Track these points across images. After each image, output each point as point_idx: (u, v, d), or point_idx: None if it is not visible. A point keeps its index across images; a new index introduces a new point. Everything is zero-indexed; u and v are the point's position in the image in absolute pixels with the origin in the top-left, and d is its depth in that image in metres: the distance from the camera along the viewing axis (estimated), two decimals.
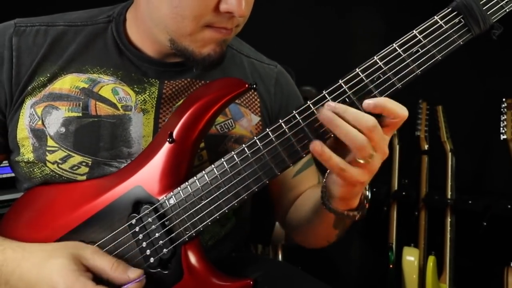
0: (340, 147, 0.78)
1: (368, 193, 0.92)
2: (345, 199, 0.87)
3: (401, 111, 0.77)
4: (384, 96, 0.80)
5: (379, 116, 0.78)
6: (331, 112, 0.76)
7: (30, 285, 0.81)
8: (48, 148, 0.95)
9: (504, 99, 2.31)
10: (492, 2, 0.81)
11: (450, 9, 0.82)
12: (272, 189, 1.17)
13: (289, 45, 2.68)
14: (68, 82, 0.98)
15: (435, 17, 0.82)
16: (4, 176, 1.75)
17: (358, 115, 0.75)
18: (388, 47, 0.81)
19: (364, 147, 0.75)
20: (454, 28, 0.81)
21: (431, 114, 2.48)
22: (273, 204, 1.21)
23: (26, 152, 0.97)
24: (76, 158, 0.95)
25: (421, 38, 0.80)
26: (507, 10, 0.82)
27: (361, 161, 0.77)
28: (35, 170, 0.97)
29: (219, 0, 0.87)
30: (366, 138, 0.75)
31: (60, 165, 0.95)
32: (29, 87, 0.97)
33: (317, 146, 0.77)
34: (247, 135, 1.06)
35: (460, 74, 2.41)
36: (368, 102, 0.77)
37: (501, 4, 0.82)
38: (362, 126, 0.75)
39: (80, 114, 0.96)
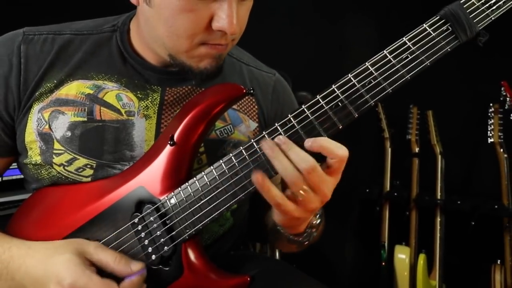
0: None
1: (317, 222, 0.94)
2: (286, 227, 0.89)
3: (339, 151, 0.76)
4: (375, 100, 0.81)
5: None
6: (274, 145, 0.77)
7: (36, 280, 0.80)
8: (54, 151, 0.95)
9: (491, 104, 2.32)
10: (478, 11, 0.82)
11: (438, 17, 0.83)
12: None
13: (286, 53, 2.69)
14: (74, 88, 0.98)
15: (424, 25, 0.82)
16: (13, 177, 1.75)
17: (298, 155, 0.76)
18: (379, 53, 0.81)
19: (297, 183, 0.75)
20: (442, 35, 0.82)
21: (421, 118, 2.48)
22: (253, 203, 1.19)
23: (34, 155, 0.97)
24: (81, 161, 0.95)
25: (410, 45, 0.81)
26: (493, 18, 0.82)
27: (297, 196, 0.77)
28: (42, 172, 0.97)
29: (211, 19, 0.86)
30: (300, 175, 0.75)
31: (66, 167, 0.95)
32: (37, 93, 0.97)
33: (259, 177, 0.77)
34: (245, 141, 1.05)
35: (449, 81, 2.41)
36: (307, 141, 0.79)
37: (487, 12, 0.82)
38: (300, 167, 0.75)
39: (85, 119, 0.96)
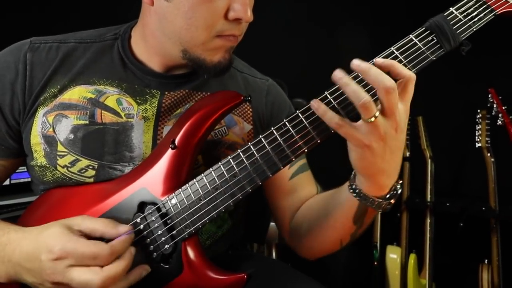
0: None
1: (398, 189, 0.85)
2: (366, 174, 0.82)
3: (407, 71, 0.75)
4: None
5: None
6: (343, 74, 0.74)
7: (30, 256, 0.80)
8: (58, 153, 0.96)
9: (478, 110, 2.33)
10: (461, 23, 0.84)
11: (424, 28, 0.84)
12: (270, 195, 1.14)
13: (282, 61, 2.69)
14: (76, 93, 0.99)
15: (411, 35, 0.83)
16: (21, 181, 1.76)
17: (379, 75, 0.72)
18: (369, 62, 0.82)
19: (368, 105, 0.71)
20: (428, 45, 0.83)
21: (412, 124, 2.48)
22: (273, 212, 1.16)
23: (39, 157, 0.98)
24: (84, 162, 0.96)
25: (398, 54, 0.82)
26: (474, 29, 0.84)
27: (368, 121, 0.72)
28: (47, 173, 0.98)
29: (228, 10, 0.90)
30: (370, 97, 0.71)
31: (69, 169, 0.96)
32: (41, 98, 0.98)
33: (314, 102, 0.78)
34: (239, 142, 1.07)
35: (438, 88, 2.43)
36: (378, 60, 0.77)
37: (469, 24, 0.84)
38: (380, 85, 0.71)
39: (87, 122, 0.97)
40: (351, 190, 0.86)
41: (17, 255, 0.82)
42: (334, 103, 0.80)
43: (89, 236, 0.82)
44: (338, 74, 0.75)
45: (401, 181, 0.85)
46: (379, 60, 0.77)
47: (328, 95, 0.81)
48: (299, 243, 1.08)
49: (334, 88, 0.81)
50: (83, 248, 0.78)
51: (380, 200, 0.84)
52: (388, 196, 0.84)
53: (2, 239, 0.85)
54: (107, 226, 0.83)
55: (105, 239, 0.82)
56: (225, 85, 1.11)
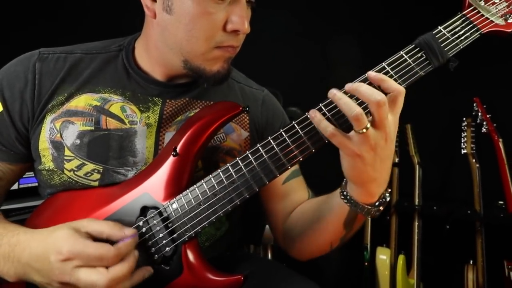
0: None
1: (387, 197, 0.87)
2: (357, 182, 0.82)
3: (397, 85, 0.76)
4: None
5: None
6: (336, 90, 0.76)
7: (39, 257, 0.80)
8: (65, 158, 0.97)
9: (464, 118, 2.35)
10: (449, 41, 0.85)
11: (413, 45, 0.85)
12: (264, 199, 1.14)
13: (277, 71, 2.70)
14: (83, 101, 0.99)
15: (401, 52, 0.84)
16: (29, 185, 1.76)
17: (369, 90, 0.73)
18: (362, 76, 0.83)
19: (360, 117, 0.72)
20: (417, 62, 0.84)
21: (401, 131, 2.49)
22: (267, 215, 1.16)
23: (47, 161, 0.98)
24: (89, 166, 0.96)
25: (389, 70, 0.83)
26: (461, 47, 0.85)
27: (360, 132, 0.74)
28: (54, 177, 0.98)
29: (226, 22, 0.92)
30: (361, 110, 0.73)
31: (75, 172, 0.97)
32: (49, 105, 0.99)
33: (311, 111, 0.80)
34: (237, 148, 1.07)
35: (426, 97, 2.43)
36: (370, 72, 0.79)
37: (456, 42, 0.85)
38: (371, 99, 0.73)
39: (93, 128, 0.98)
40: (342, 197, 0.87)
41: (27, 255, 0.82)
42: (328, 114, 0.81)
43: (95, 238, 0.82)
44: (333, 91, 0.77)
45: (390, 190, 0.87)
46: (371, 73, 0.79)
47: (322, 107, 0.82)
48: (291, 245, 1.08)
49: (328, 100, 0.81)
50: (90, 250, 0.79)
51: (370, 207, 0.86)
52: (377, 203, 0.86)
53: (11, 240, 0.85)
54: (113, 229, 0.83)
55: (111, 241, 0.82)
56: (224, 94, 1.12)
